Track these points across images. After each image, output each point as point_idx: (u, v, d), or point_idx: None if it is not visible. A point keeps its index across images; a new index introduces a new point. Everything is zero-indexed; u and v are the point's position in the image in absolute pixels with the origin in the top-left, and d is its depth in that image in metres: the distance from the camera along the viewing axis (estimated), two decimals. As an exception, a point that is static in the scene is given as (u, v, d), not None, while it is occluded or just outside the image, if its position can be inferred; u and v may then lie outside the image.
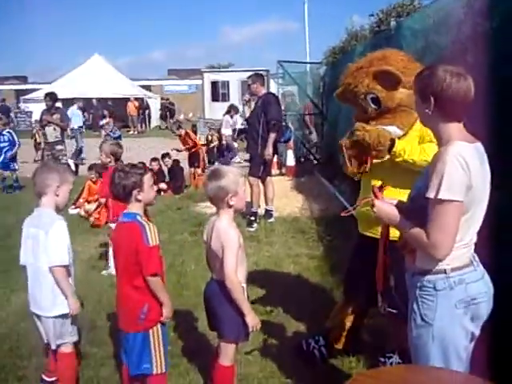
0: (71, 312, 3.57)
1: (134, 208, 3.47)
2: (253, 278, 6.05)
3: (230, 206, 3.39)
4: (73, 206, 10.03)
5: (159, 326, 3.46)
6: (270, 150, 8.44)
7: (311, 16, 17.50)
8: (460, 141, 2.38)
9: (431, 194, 2.35)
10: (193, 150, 13.08)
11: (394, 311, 3.12)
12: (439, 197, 2.32)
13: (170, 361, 3.73)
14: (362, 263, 3.86)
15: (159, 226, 8.45)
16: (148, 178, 3.50)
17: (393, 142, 3.46)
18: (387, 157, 3.50)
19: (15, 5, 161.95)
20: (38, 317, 3.63)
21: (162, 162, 12.34)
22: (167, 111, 34.39)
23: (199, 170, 12.77)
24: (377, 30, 8.65)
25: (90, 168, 10.62)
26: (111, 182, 3.49)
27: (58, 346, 3.66)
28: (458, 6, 5.34)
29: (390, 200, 2.71)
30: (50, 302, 3.55)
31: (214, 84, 26.25)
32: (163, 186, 11.70)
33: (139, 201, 3.45)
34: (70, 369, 3.74)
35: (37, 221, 3.60)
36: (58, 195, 3.61)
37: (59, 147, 12.08)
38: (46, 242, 3.48)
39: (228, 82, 25.76)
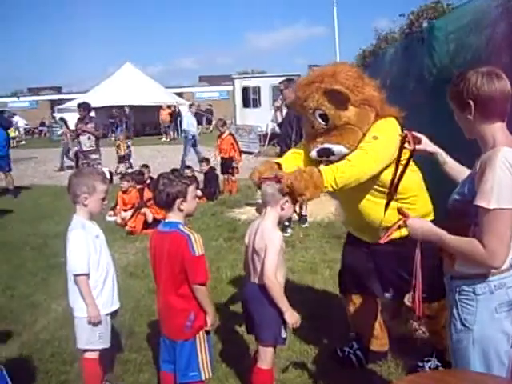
0: (89, 319, 3.63)
1: (175, 217, 3.46)
2: (288, 283, 6.02)
3: (282, 209, 3.47)
4: (111, 213, 10.20)
5: (204, 334, 3.51)
6: None
7: (340, 19, 17.40)
8: (506, 146, 2.35)
9: (483, 203, 2.31)
10: (229, 156, 13.08)
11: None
12: (492, 206, 2.28)
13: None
14: (351, 259, 4.14)
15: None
16: (193, 189, 3.52)
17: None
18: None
19: (48, 14, 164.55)
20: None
21: (198, 168, 12.41)
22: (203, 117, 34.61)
23: (233, 177, 12.78)
24: (408, 31, 8.54)
25: (122, 177, 10.78)
26: (154, 187, 3.57)
27: (85, 351, 3.77)
28: (492, 5, 5.28)
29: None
30: (77, 303, 3.70)
31: (245, 90, 26.23)
32: (198, 192, 11.76)
33: (181, 210, 3.44)
34: (93, 376, 3.80)
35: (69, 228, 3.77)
36: (86, 205, 3.70)
37: (94, 156, 12.24)
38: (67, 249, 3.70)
39: (259, 87, 25.71)
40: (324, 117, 3.55)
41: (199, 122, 33.72)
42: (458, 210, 2.53)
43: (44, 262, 7.19)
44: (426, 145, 3.04)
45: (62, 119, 20.19)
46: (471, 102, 2.41)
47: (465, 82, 2.43)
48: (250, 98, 26.12)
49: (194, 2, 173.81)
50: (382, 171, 3.45)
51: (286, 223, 8.51)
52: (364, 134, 3.51)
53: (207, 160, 12.86)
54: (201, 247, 3.36)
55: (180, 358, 3.46)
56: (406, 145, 2.87)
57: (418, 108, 6.49)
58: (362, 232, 3.95)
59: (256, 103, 25.78)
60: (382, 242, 2.79)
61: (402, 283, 3.50)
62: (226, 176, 12.84)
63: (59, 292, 6.08)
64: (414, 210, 3.45)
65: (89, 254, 3.63)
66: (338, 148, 3.51)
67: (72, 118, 34.61)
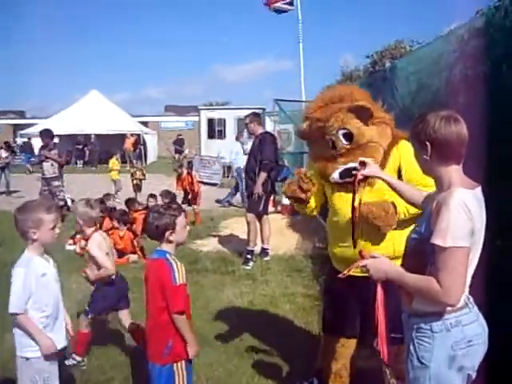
0: (44, 351, 3.43)
1: (166, 247, 3.61)
2: (248, 317, 6.05)
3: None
4: (71, 241, 10.01)
5: (183, 362, 3.56)
6: (259, 187, 8.47)
7: (307, 55, 17.70)
8: (461, 187, 2.42)
9: (438, 241, 2.36)
10: (192, 190, 13.07)
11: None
12: (448, 244, 2.33)
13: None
14: (337, 298, 4.01)
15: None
16: (181, 220, 3.62)
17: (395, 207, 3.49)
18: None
19: (13, 38, 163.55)
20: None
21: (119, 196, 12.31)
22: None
23: (196, 207, 12.70)
24: (371, 70, 8.77)
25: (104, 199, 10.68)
26: (145, 220, 3.77)
27: None
28: (449, 49, 5.47)
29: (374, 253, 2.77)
30: (20, 342, 3.51)
31: (211, 121, 26.38)
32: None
33: (171, 242, 3.59)
34: None
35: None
36: (36, 239, 3.47)
37: (56, 183, 12.07)
38: None
39: (224, 119, 25.86)
40: (347, 136, 3.56)
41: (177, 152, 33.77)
42: (416, 248, 2.58)
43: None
44: (377, 171, 3.15)
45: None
46: (428, 144, 2.48)
47: (424, 123, 2.50)
48: (215, 130, 26.24)
49: (162, 32, 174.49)
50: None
51: (248, 256, 8.51)
52: (384, 151, 3.57)
53: (154, 196, 12.73)
54: (182, 277, 3.49)
55: (158, 382, 3.57)
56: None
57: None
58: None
59: (221, 135, 25.90)
60: (340, 276, 2.85)
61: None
62: (192, 207, 12.74)
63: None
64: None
65: (29, 294, 3.39)
66: None
67: (37, 143, 34.28)
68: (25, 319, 3.40)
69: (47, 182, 12.02)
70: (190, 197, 12.99)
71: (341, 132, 3.58)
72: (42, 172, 12.24)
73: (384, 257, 2.71)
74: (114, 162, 18.04)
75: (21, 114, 54.32)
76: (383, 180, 3.21)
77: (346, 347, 4.11)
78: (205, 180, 20.92)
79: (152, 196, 12.18)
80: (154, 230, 3.59)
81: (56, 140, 14.04)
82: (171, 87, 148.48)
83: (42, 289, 3.46)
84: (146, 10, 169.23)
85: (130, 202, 11.51)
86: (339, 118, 3.57)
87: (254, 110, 10.49)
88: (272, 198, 10.73)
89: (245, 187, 9.68)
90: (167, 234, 3.55)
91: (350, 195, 3.43)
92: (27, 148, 33.49)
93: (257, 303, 6.61)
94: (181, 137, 37.32)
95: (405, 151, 3.53)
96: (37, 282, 3.43)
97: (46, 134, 12.47)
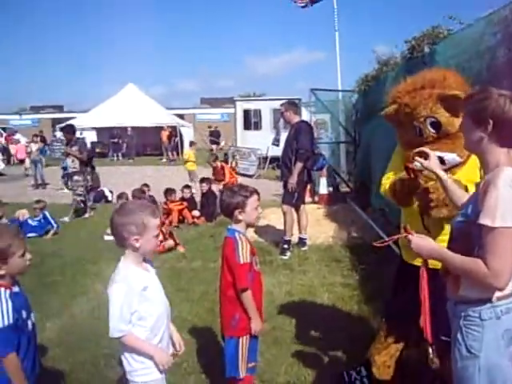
0: (159, 363, 3.07)
1: (236, 225, 3.76)
2: (286, 307, 6.01)
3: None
4: (109, 231, 10.14)
5: (248, 337, 3.72)
6: (294, 178, 8.39)
7: (342, 44, 17.49)
8: (508, 166, 2.33)
9: (486, 221, 2.28)
10: (229, 182, 13.10)
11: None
12: (496, 224, 2.25)
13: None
14: (404, 292, 3.80)
15: (193, 253, 8.58)
16: (252, 201, 3.75)
17: None
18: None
19: (49, 33, 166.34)
20: None
21: (197, 187, 12.38)
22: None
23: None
24: (409, 56, 8.57)
25: (119, 197, 10.75)
26: (220, 197, 3.81)
27: None
28: (491, 31, 5.30)
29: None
30: (130, 366, 3.16)
31: (247, 113, 26.32)
32: (196, 213, 11.72)
33: (240, 221, 3.72)
34: None
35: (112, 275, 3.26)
36: (138, 248, 3.08)
37: (76, 177, 12.28)
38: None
39: (260, 110, 25.79)
40: (435, 124, 3.48)
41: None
42: (462, 231, 2.49)
43: (38, 280, 7.10)
44: (436, 165, 3.04)
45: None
46: (491, 122, 2.38)
47: (489, 100, 2.40)
48: (251, 121, 26.20)
49: (197, 26, 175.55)
50: None
51: (285, 246, 8.46)
52: None
53: (208, 179, 12.80)
54: (246, 255, 3.62)
55: (226, 353, 3.78)
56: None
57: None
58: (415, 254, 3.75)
59: (257, 126, 25.85)
60: (375, 244, 2.87)
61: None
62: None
63: (53, 311, 6.04)
64: None
65: (131, 312, 3.01)
66: (451, 156, 3.37)
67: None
68: (130, 339, 3.04)
69: (69, 177, 12.23)
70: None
71: (429, 120, 3.51)
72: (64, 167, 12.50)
73: (431, 241, 2.62)
74: (190, 154, 18.28)
75: (59, 109, 55.21)
76: (436, 176, 3.06)
77: (402, 338, 4.05)
78: (241, 171, 20.93)
79: (187, 187, 12.25)
80: (224, 208, 3.79)
81: (93, 133, 14.27)
82: (205, 80, 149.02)
83: (144, 303, 3.06)
84: (180, 4, 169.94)
85: (168, 192, 11.56)
86: (428, 106, 3.48)
87: (289, 100, 10.38)
88: (308, 187, 10.65)
89: (280, 177, 9.60)
90: (236, 212, 3.69)
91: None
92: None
93: (295, 293, 6.57)
94: (217, 128, 37.59)
95: None
96: (139, 297, 3.04)
97: (68, 130, 12.72)
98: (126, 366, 3.13)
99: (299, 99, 19.09)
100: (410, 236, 2.65)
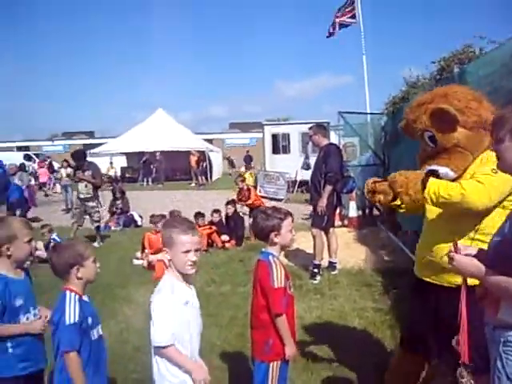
0: (196, 377, 3.10)
1: (270, 248, 3.72)
2: (317, 332, 5.91)
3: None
4: (138, 255, 10.19)
5: (280, 362, 3.64)
6: (324, 201, 8.31)
7: (369, 66, 17.46)
8: None
9: None
10: (254, 204, 13.05)
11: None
12: None
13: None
14: (421, 311, 3.73)
15: (222, 277, 8.52)
16: (287, 223, 3.71)
17: (424, 185, 3.35)
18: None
19: (79, 61, 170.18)
20: None
21: (225, 210, 12.39)
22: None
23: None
24: (438, 77, 8.53)
25: (151, 221, 10.78)
26: (253, 220, 3.85)
27: None
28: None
29: (470, 249, 2.59)
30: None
31: (275, 137, 26.40)
32: (225, 237, 11.68)
33: (275, 243, 3.69)
34: None
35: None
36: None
37: (91, 204, 12.10)
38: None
39: (288, 134, 25.82)
40: (432, 138, 3.48)
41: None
42: (499, 250, 2.38)
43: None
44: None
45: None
46: None
47: None
48: (279, 145, 26.24)
49: (223, 52, 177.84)
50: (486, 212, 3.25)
51: (315, 270, 8.36)
52: (474, 159, 3.38)
53: (233, 201, 12.76)
54: (281, 279, 3.56)
55: (255, 378, 3.72)
56: None
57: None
58: (425, 265, 3.64)
59: (285, 150, 25.86)
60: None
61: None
62: (252, 222, 12.69)
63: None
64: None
65: (174, 322, 3.09)
66: (444, 170, 3.40)
67: (103, 162, 35.23)
68: (171, 350, 3.07)
69: (82, 203, 12.13)
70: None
71: (426, 134, 3.52)
72: (77, 192, 12.41)
73: (476, 260, 2.52)
74: (247, 176, 18.79)
75: (90, 134, 56.26)
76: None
77: (419, 365, 3.90)
78: (270, 195, 20.90)
79: (216, 211, 12.23)
80: (259, 231, 3.74)
81: (123, 158, 14.30)
82: (234, 105, 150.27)
83: (183, 318, 3.14)
84: (207, 30, 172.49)
85: (197, 216, 11.55)
86: (422, 120, 3.50)
87: (318, 123, 10.36)
88: (338, 211, 10.55)
89: (310, 200, 9.52)
90: (272, 235, 3.66)
91: None
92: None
93: (325, 318, 6.46)
94: (248, 153, 38.02)
95: (487, 157, 3.31)
96: (181, 310, 3.14)
97: (78, 156, 12.58)
98: (160, 380, 3.15)
99: (327, 122, 19.07)
100: (453, 253, 2.56)
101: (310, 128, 9.01)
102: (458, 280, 2.94)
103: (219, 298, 7.52)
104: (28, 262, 4.02)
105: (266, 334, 3.63)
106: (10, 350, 3.47)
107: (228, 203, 12.58)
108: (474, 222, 3.29)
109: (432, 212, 3.55)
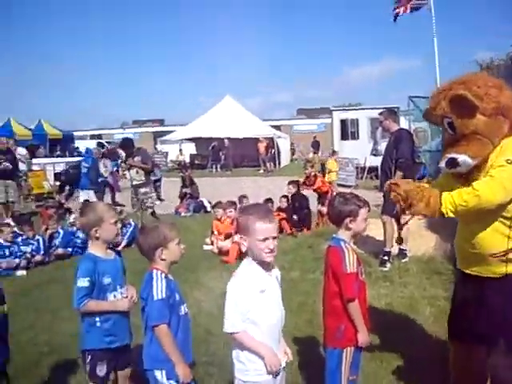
0: (268, 364, 3.04)
1: (342, 234, 3.72)
2: (387, 320, 5.84)
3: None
4: (208, 241, 10.37)
5: (353, 348, 3.64)
6: None
7: (439, 49, 16.94)
8: None
9: None
10: (321, 189, 12.97)
11: None
12: None
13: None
14: (463, 303, 3.72)
15: (291, 263, 8.54)
16: (364, 212, 3.73)
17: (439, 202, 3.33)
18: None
19: (152, 51, 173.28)
20: None
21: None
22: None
23: (325, 208, 12.51)
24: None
25: (215, 206, 10.91)
26: (330, 203, 3.83)
27: None
28: None
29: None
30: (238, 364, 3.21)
31: (343, 122, 26.14)
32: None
33: (349, 229, 3.69)
34: None
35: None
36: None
37: (143, 190, 12.07)
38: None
39: (357, 119, 25.52)
40: (451, 125, 3.46)
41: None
42: None
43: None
44: None
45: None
46: None
47: None
48: (348, 131, 25.97)
49: (291, 37, 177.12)
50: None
51: (385, 257, 8.27)
52: (494, 147, 3.34)
53: (296, 182, 12.70)
54: (353, 265, 3.58)
55: (327, 365, 3.70)
56: None
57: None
58: (466, 259, 3.69)
59: (354, 135, 25.58)
60: None
61: (507, 329, 3.34)
62: (319, 207, 12.66)
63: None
64: None
65: (247, 310, 3.05)
66: (462, 158, 3.36)
67: (173, 149, 35.88)
68: (243, 336, 3.05)
69: (135, 190, 12.12)
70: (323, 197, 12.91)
71: (446, 121, 3.50)
72: (130, 180, 12.46)
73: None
74: (332, 163, 19.18)
75: (160, 122, 57.32)
76: None
77: (476, 354, 3.74)
78: (340, 182, 20.75)
79: (284, 197, 12.23)
80: (336, 215, 3.72)
81: (192, 145, 14.46)
82: (301, 91, 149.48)
83: (259, 306, 3.08)
84: (272, 16, 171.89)
85: (266, 202, 11.55)
86: (441, 106, 3.46)
87: (389, 108, 10.18)
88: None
89: (379, 186, 9.39)
90: (347, 220, 3.65)
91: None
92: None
93: (395, 306, 6.39)
94: (315, 139, 37.83)
95: (504, 146, 3.33)
96: (255, 298, 3.07)
97: (126, 145, 12.71)
98: (237, 364, 3.15)
99: (397, 107, 18.71)
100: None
101: (381, 113, 8.87)
102: (503, 270, 3.17)
103: (288, 283, 7.52)
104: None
105: (338, 320, 3.62)
106: (98, 325, 3.74)
107: (290, 183, 12.53)
108: (502, 209, 3.28)
109: None
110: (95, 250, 3.85)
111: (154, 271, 3.48)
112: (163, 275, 3.47)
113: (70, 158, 28.95)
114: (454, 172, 3.50)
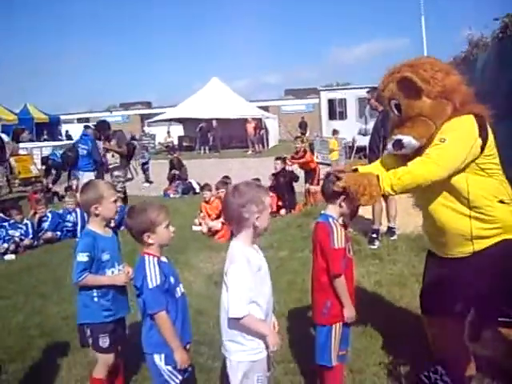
0: (272, 342, 3.08)
1: (332, 210, 3.72)
2: (376, 297, 5.90)
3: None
4: (197, 222, 10.38)
5: (340, 324, 3.69)
6: None
7: (427, 27, 16.85)
8: None
9: None
10: (309, 165, 12.99)
11: None
12: None
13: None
14: (434, 280, 3.82)
15: (280, 243, 8.57)
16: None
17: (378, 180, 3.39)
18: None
19: (134, 32, 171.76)
20: None
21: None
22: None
23: (313, 187, 12.56)
24: (501, 36, 8.17)
25: (202, 188, 10.90)
26: (325, 180, 3.81)
27: None
28: None
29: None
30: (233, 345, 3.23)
31: (331, 102, 26.11)
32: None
33: (341, 207, 3.69)
34: None
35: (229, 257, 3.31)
36: (256, 227, 3.18)
37: (116, 173, 12.07)
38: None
39: (345, 99, 25.51)
40: (398, 106, 3.54)
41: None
42: None
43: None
44: None
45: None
46: None
47: None
48: (335, 111, 25.95)
49: (278, 19, 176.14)
50: (452, 175, 3.32)
51: (374, 235, 8.31)
52: (437, 128, 3.39)
53: (283, 158, 12.66)
54: (341, 241, 3.61)
55: (317, 341, 3.76)
56: None
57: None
58: (435, 242, 3.76)
59: (342, 115, 25.56)
60: None
61: (480, 302, 3.45)
62: (307, 185, 12.69)
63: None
64: (491, 222, 3.34)
65: (250, 292, 3.05)
66: (407, 139, 3.42)
67: (161, 132, 35.81)
68: (249, 319, 3.03)
69: (110, 173, 12.11)
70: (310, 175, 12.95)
71: (392, 102, 3.57)
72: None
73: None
74: (334, 142, 19.33)
75: (147, 105, 56.98)
76: None
77: (450, 326, 3.77)
78: (327, 161, 20.75)
79: (273, 174, 12.26)
80: (329, 192, 3.68)
81: (180, 127, 14.37)
82: (289, 72, 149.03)
83: (258, 284, 3.12)
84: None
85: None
86: (389, 88, 3.54)
87: (376, 86, 10.16)
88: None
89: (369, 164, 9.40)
90: (341, 198, 3.64)
91: None
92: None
93: (384, 283, 6.43)
94: (303, 119, 37.94)
95: (443, 128, 3.38)
96: (254, 277, 3.10)
97: (102, 127, 12.50)
98: (232, 346, 3.14)
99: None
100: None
101: (369, 92, 8.87)
102: (470, 248, 3.36)
103: (277, 262, 7.57)
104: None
105: (325, 297, 3.67)
106: (96, 299, 3.81)
107: (277, 158, 12.51)
108: (458, 190, 3.37)
109: (419, 195, 3.70)
110: (94, 226, 3.90)
111: (146, 257, 3.40)
112: (155, 260, 3.39)
113: (58, 142, 28.80)
114: (400, 153, 3.54)
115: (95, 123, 13.15)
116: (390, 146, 3.58)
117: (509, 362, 4.00)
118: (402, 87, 3.45)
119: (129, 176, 12.81)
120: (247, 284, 3.03)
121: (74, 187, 13.48)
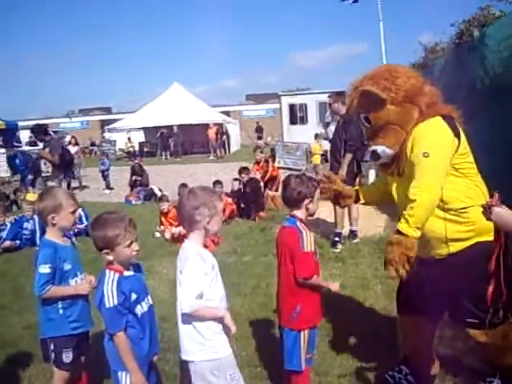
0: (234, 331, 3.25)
1: (300, 214, 3.74)
2: (340, 299, 5.93)
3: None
4: (158, 228, 10.29)
5: (309, 329, 3.71)
6: (344, 169, 8.23)
7: (385, 34, 17.15)
8: None
9: None
10: (271, 174, 13.04)
11: None
12: None
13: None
14: (410, 280, 3.65)
15: (243, 247, 8.57)
16: (317, 192, 3.84)
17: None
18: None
19: (97, 36, 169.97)
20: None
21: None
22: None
23: (271, 192, 12.59)
24: (458, 41, 8.36)
25: (160, 199, 10.77)
26: (284, 186, 3.82)
27: None
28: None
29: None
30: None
31: (292, 107, 26.28)
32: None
33: (307, 209, 3.75)
34: None
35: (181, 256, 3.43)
36: (207, 230, 3.24)
37: (49, 183, 11.61)
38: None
39: (306, 104, 25.69)
40: (367, 119, 3.59)
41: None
42: None
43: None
44: None
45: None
46: None
47: None
48: (296, 115, 26.11)
49: (238, 25, 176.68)
50: None
51: (337, 238, 8.37)
52: (407, 133, 3.42)
53: (247, 169, 12.61)
54: (311, 244, 3.62)
55: (285, 346, 3.73)
56: None
57: (470, 118, 6.34)
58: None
59: (303, 120, 25.73)
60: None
61: (453, 303, 3.51)
62: (268, 191, 12.72)
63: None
64: (466, 225, 3.36)
65: (204, 287, 3.11)
66: (381, 149, 3.49)
67: (121, 138, 35.34)
68: (201, 311, 3.11)
69: (44, 183, 11.70)
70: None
71: (361, 116, 3.64)
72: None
73: None
74: (316, 146, 19.18)
75: (107, 110, 56.39)
76: None
77: (423, 328, 3.89)
78: (290, 166, 20.85)
79: (236, 180, 12.27)
80: (293, 196, 3.71)
81: (140, 133, 14.11)
82: (250, 77, 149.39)
83: (212, 282, 3.18)
84: (219, 2, 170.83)
85: (215, 184, 11.52)
86: (355, 103, 3.61)
87: (337, 91, 10.27)
88: (358, 179, 10.51)
89: (330, 168, 9.49)
90: (306, 201, 3.71)
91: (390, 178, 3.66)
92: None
93: (348, 285, 6.48)
94: (259, 124, 38.37)
95: (415, 135, 3.39)
96: (210, 275, 3.16)
97: (36, 130, 12.15)
98: (193, 346, 3.19)
99: (344, 92, 18.88)
100: (494, 208, 2.62)
101: (330, 96, 8.95)
102: (446, 250, 3.41)
103: (241, 267, 7.58)
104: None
105: (294, 301, 3.66)
106: (61, 312, 3.68)
107: (240, 172, 12.47)
108: None
109: (398, 195, 3.65)
110: (52, 236, 3.76)
111: (107, 272, 3.24)
112: (116, 276, 3.21)
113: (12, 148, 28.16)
114: (380, 163, 3.64)
115: (31, 127, 12.65)
116: (367, 158, 3.65)
117: (470, 360, 4.08)
118: (365, 101, 3.49)
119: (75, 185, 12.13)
120: (200, 279, 3.09)
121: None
